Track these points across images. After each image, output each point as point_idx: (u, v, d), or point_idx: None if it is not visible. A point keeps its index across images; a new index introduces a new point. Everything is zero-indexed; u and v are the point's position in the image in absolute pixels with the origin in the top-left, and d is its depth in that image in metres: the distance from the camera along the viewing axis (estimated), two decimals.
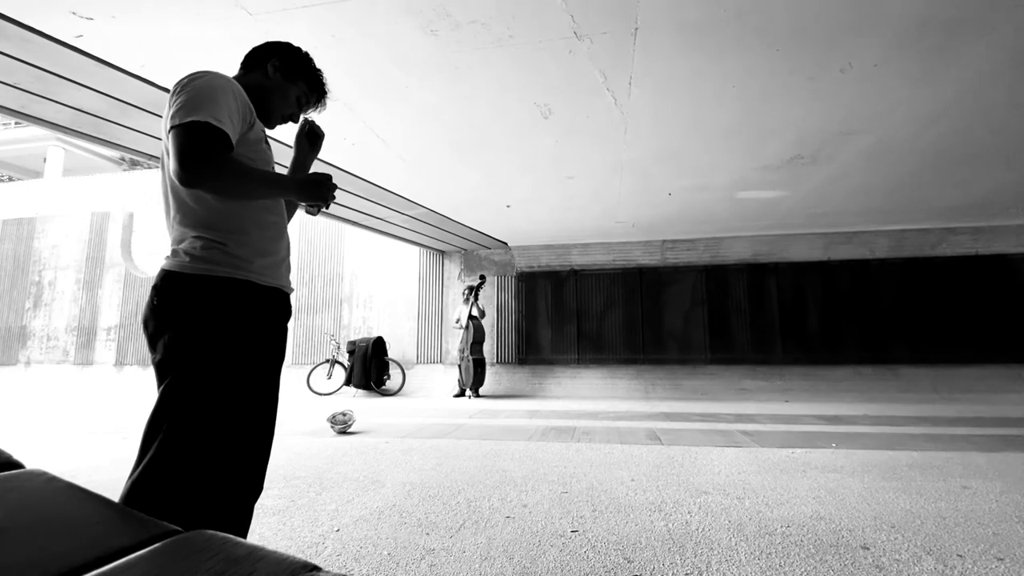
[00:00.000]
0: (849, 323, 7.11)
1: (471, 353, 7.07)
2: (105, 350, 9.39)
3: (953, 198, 5.59)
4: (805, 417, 5.10)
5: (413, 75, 2.85)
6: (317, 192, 1.25)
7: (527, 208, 5.81)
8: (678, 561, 1.74)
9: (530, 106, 3.26)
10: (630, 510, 2.28)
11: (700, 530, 2.03)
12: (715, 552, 1.82)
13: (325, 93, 1.45)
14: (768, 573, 1.65)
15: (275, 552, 0.54)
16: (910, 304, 7.01)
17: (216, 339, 1.13)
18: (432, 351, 8.21)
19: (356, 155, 4.01)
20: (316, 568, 0.51)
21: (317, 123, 1.48)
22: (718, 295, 7.49)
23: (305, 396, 7.52)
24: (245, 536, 1.24)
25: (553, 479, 2.80)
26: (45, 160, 14.50)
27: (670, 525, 2.09)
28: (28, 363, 9.76)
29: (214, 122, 1.05)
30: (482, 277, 7.53)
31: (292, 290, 1.36)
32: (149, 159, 4.02)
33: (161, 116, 1.13)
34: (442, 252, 8.42)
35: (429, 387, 7.84)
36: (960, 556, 1.78)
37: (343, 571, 1.67)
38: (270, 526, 2.11)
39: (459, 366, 7.29)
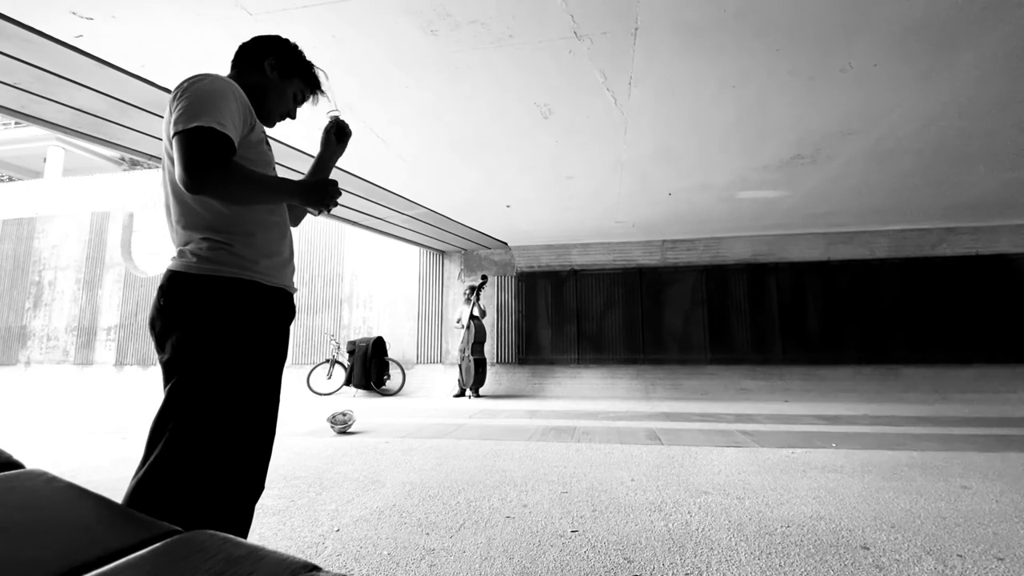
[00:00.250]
0: (849, 323, 7.11)
1: (472, 353, 7.07)
2: (105, 350, 9.39)
3: (953, 198, 5.59)
4: (805, 417, 5.10)
5: (413, 75, 2.85)
6: (319, 197, 1.26)
7: (527, 208, 5.81)
8: (678, 561, 1.74)
9: (530, 106, 3.26)
10: (630, 510, 2.28)
11: (700, 530, 2.03)
12: (715, 552, 1.82)
13: (320, 87, 1.45)
14: (768, 573, 1.65)
15: (275, 552, 0.54)
16: (910, 304, 7.01)
17: (223, 339, 1.13)
18: (432, 351, 8.21)
19: (356, 155, 4.01)
20: (316, 568, 0.51)
21: (344, 120, 1.48)
22: (718, 295, 7.49)
23: (305, 396, 7.52)
24: (246, 536, 1.24)
25: (553, 479, 2.80)
26: (45, 160, 14.51)
27: (670, 525, 2.09)
28: (28, 363, 9.76)
29: (217, 127, 1.05)
30: (484, 277, 7.52)
31: (296, 290, 1.37)
32: (149, 159, 4.02)
33: (161, 116, 1.14)
34: (442, 252, 8.42)
35: (429, 387, 7.84)
36: (960, 556, 1.78)
37: (343, 571, 1.67)
38: (270, 526, 2.11)
39: (459, 366, 7.29)
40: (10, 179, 16.51)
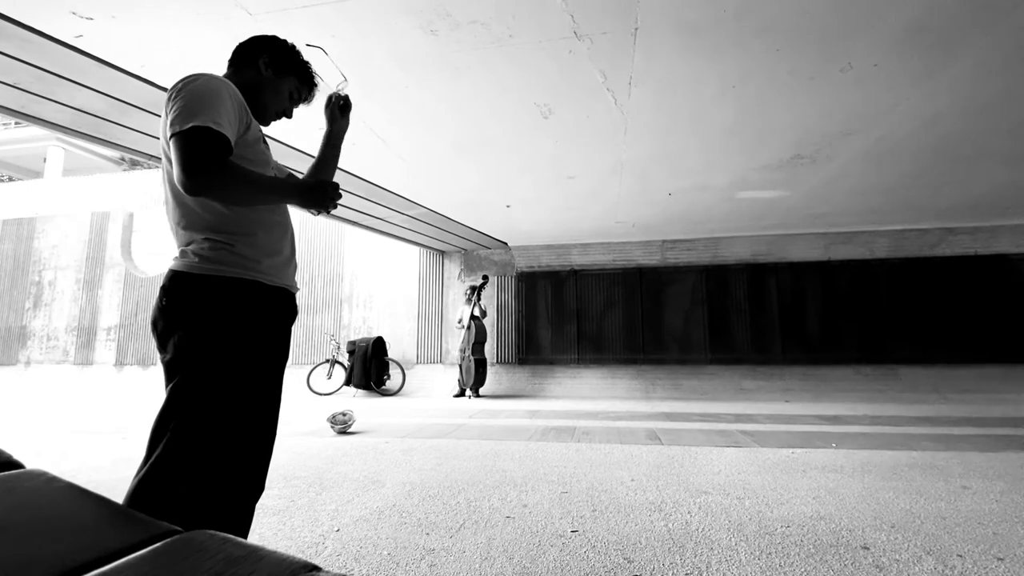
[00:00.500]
0: (849, 323, 7.11)
1: (472, 353, 7.07)
2: (105, 350, 9.39)
3: (953, 198, 5.59)
4: (805, 417, 5.10)
5: (413, 75, 2.85)
6: (319, 198, 1.25)
7: (527, 208, 5.81)
8: (678, 561, 1.74)
9: (530, 106, 3.26)
10: (630, 510, 2.28)
11: (700, 530, 2.03)
12: (715, 552, 1.82)
13: (315, 85, 1.45)
14: (768, 573, 1.65)
15: (275, 552, 0.54)
16: (910, 304, 7.01)
17: (225, 339, 1.13)
18: (432, 351, 8.21)
19: (356, 155, 4.01)
20: (316, 568, 0.51)
21: (343, 93, 1.48)
22: (718, 295, 7.49)
23: (305, 396, 7.52)
24: (246, 535, 1.24)
25: (553, 479, 2.80)
26: (45, 160, 14.51)
27: (670, 525, 2.09)
28: (28, 363, 9.76)
29: (214, 126, 1.05)
30: (484, 277, 7.52)
31: (298, 290, 1.37)
32: (149, 159, 4.02)
33: (161, 116, 1.13)
34: (442, 252, 8.42)
35: (429, 387, 7.84)
36: (960, 556, 1.78)
37: (343, 571, 1.67)
38: (270, 526, 2.11)
39: (459, 366, 7.29)
40: (10, 179, 16.51)
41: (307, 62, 1.41)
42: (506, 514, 2.24)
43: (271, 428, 1.26)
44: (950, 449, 3.52)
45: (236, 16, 2.28)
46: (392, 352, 8.12)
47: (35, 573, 0.49)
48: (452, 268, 8.39)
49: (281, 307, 1.27)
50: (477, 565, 1.72)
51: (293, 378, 7.84)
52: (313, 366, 7.95)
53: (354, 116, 3.32)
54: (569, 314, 7.85)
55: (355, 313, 8.60)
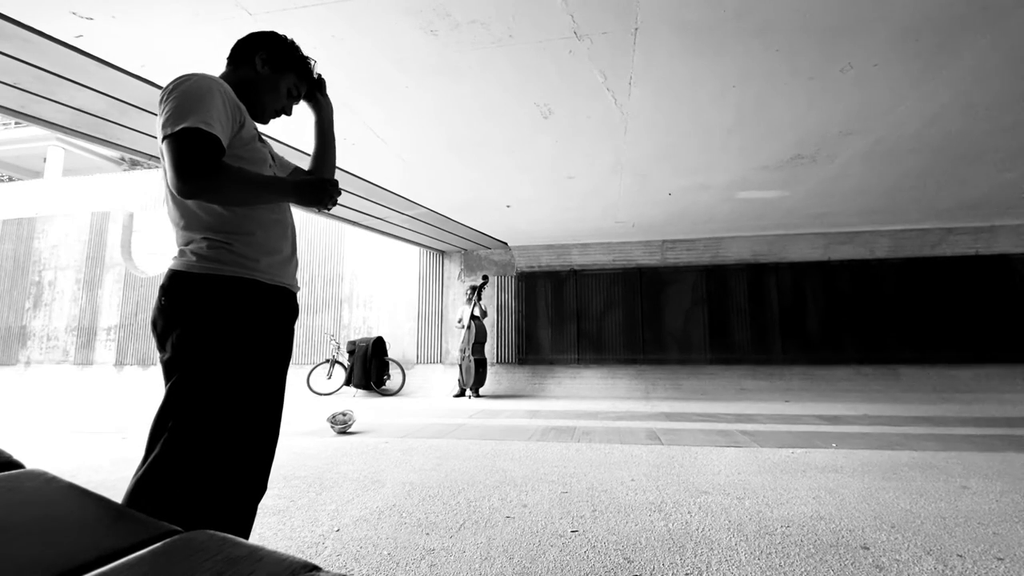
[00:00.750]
0: (849, 323, 7.11)
1: (473, 353, 7.07)
2: (105, 350, 9.39)
3: (953, 198, 5.59)
4: (805, 417, 5.10)
5: (413, 75, 2.85)
6: (317, 196, 1.24)
7: (527, 208, 5.81)
8: (678, 561, 1.74)
9: (530, 106, 3.26)
10: (630, 510, 2.28)
11: (700, 530, 2.03)
12: (715, 552, 1.82)
13: (316, 82, 1.43)
14: (768, 573, 1.65)
15: (275, 552, 0.54)
16: (910, 304, 7.01)
17: (224, 338, 1.13)
18: (432, 351, 8.21)
19: (356, 155, 4.01)
20: (316, 568, 0.51)
21: (315, 73, 1.44)
22: (718, 295, 7.49)
23: (305, 396, 7.52)
24: (248, 536, 1.24)
25: (553, 479, 2.80)
26: (45, 160, 14.51)
27: (670, 525, 2.09)
28: (28, 363, 9.77)
29: (204, 127, 1.04)
30: (485, 277, 7.52)
31: (299, 288, 1.36)
32: (149, 159, 4.02)
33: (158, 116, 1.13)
34: (442, 252, 8.42)
35: (429, 387, 7.84)
36: (960, 556, 1.78)
37: (343, 571, 1.67)
38: (270, 526, 2.11)
39: (459, 366, 7.29)
40: (10, 179, 16.51)
41: (306, 58, 1.38)
42: (506, 514, 2.24)
43: (272, 427, 1.26)
44: (950, 449, 3.52)
45: (236, 16, 2.28)
46: (392, 352, 8.12)
47: (35, 573, 0.49)
48: (452, 268, 8.39)
49: (281, 306, 1.27)
50: (477, 565, 1.72)
51: (293, 378, 7.83)
52: (313, 366, 7.95)
53: (354, 116, 3.32)
54: (569, 314, 7.85)
55: (355, 313, 8.60)
